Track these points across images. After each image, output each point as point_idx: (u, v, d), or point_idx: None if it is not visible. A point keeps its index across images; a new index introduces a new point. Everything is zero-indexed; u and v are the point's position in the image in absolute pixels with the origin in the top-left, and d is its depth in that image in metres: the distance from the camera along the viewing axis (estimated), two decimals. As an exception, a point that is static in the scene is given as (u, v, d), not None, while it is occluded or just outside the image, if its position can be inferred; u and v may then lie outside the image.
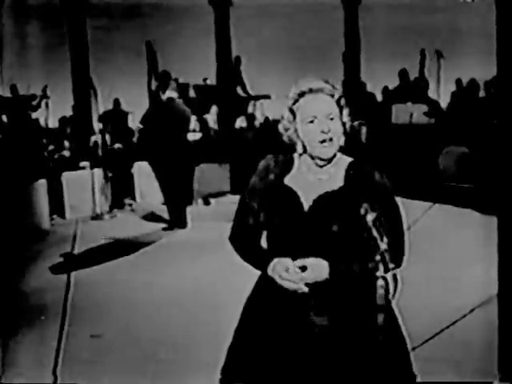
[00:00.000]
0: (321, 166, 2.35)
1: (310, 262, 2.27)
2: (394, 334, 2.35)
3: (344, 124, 2.33)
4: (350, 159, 2.38)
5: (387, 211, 2.25)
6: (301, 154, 2.37)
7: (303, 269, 2.27)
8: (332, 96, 2.31)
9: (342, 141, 2.33)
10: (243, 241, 2.48)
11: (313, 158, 2.33)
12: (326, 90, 2.30)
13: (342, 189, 2.32)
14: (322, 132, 2.27)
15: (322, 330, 2.29)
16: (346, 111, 2.34)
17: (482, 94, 9.43)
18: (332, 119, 2.29)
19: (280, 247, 2.35)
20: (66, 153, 8.99)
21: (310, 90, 2.30)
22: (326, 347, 2.29)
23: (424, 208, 7.80)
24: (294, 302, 2.31)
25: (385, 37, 10.63)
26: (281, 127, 2.38)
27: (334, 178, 2.35)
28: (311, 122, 2.29)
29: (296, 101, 2.32)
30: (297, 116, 2.32)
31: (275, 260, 2.31)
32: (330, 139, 2.28)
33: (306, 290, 2.27)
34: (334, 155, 2.33)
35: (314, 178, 2.36)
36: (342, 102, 2.33)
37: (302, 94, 2.31)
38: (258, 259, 2.41)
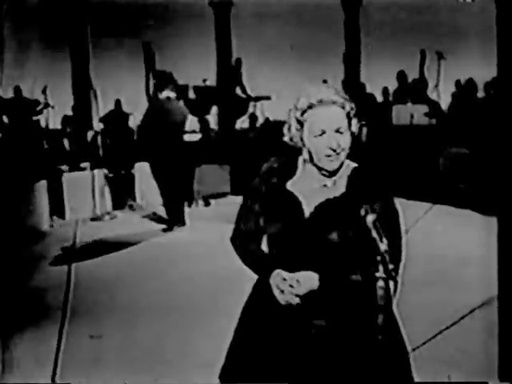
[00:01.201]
0: (325, 176, 2.32)
1: (299, 276, 2.26)
2: (394, 335, 2.35)
3: (353, 134, 2.29)
4: (354, 165, 2.36)
5: (386, 218, 2.23)
6: (305, 160, 2.34)
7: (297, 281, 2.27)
8: (343, 108, 2.25)
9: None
10: (244, 242, 2.46)
11: (318, 168, 2.30)
12: (338, 102, 2.24)
13: (343, 196, 2.30)
14: (331, 148, 2.23)
15: (319, 330, 2.29)
16: (354, 121, 2.29)
17: (481, 94, 9.42)
18: (341, 133, 2.24)
19: (280, 252, 2.34)
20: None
21: (320, 102, 2.23)
22: (324, 348, 2.29)
23: (424, 208, 7.80)
24: (288, 307, 2.30)
25: (385, 37, 10.63)
26: (286, 131, 2.34)
27: (337, 184, 2.32)
28: (320, 135, 2.24)
29: (304, 111, 2.25)
30: (304, 126, 2.26)
31: (276, 271, 2.30)
32: (338, 153, 2.25)
33: (295, 302, 2.27)
34: (341, 165, 2.30)
35: (318, 184, 2.34)
36: (351, 113, 2.28)
37: (311, 106, 2.24)
38: (258, 263, 2.41)
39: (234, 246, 2.50)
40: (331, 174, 2.30)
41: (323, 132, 2.23)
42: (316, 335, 2.29)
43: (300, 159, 2.38)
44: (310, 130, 2.25)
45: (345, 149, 2.26)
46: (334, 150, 2.23)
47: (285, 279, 2.27)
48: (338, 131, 2.23)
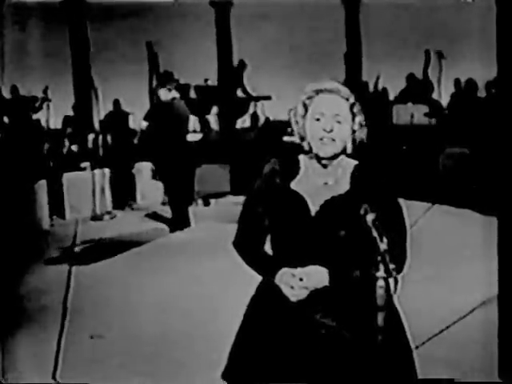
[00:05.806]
0: (324, 166, 2.34)
1: (308, 270, 2.28)
2: (397, 334, 2.35)
3: (354, 131, 2.33)
4: (354, 162, 2.38)
5: (391, 215, 2.27)
6: (307, 153, 2.36)
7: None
8: (347, 100, 2.32)
9: (348, 148, 2.33)
10: (248, 245, 2.47)
11: (316, 157, 2.33)
12: (342, 92, 2.31)
13: (348, 193, 2.33)
14: (324, 130, 2.27)
15: (328, 330, 2.29)
16: (358, 119, 2.33)
17: (482, 94, 9.42)
18: (339, 122, 2.29)
19: (286, 252, 2.35)
20: (74, 147, 8.95)
21: (326, 89, 2.32)
22: (331, 348, 2.29)
23: (424, 208, 7.81)
24: (299, 305, 2.31)
25: (386, 36, 10.63)
26: (292, 120, 2.39)
27: (340, 182, 2.35)
28: (318, 119, 2.30)
29: (311, 96, 2.33)
30: (308, 111, 2.33)
31: (283, 269, 2.31)
32: (333, 139, 2.28)
33: (305, 296, 2.27)
34: (336, 156, 2.32)
35: (321, 182, 2.36)
36: (356, 108, 2.33)
37: (317, 92, 2.32)
38: (263, 264, 2.41)
39: (237, 249, 2.50)
40: (326, 161, 2.32)
41: (321, 116, 2.29)
42: (325, 335, 2.29)
43: (301, 158, 2.41)
44: (311, 114, 2.32)
45: (339, 136, 2.29)
46: (328, 132, 2.27)
47: (293, 275, 2.28)
48: (335, 118, 2.29)
